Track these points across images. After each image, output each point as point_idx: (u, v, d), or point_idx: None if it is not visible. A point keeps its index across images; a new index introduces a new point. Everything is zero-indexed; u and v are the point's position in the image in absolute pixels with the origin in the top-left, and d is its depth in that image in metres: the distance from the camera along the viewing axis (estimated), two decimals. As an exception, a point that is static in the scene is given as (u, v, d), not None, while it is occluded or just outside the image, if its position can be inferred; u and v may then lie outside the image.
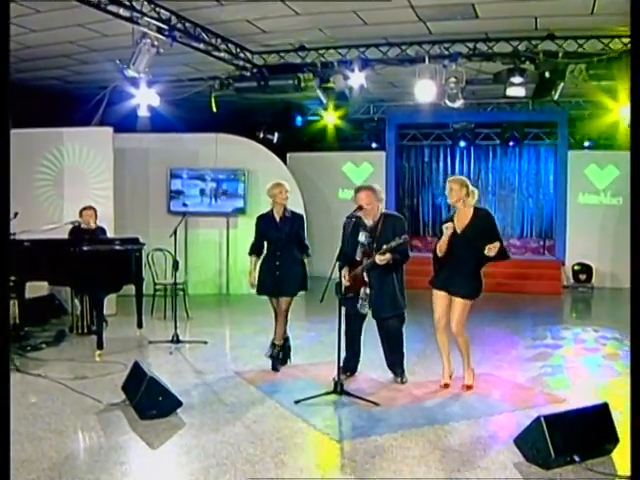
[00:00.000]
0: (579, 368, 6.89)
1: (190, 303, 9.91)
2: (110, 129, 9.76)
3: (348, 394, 5.66)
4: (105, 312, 7.74)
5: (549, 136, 15.85)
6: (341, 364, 6.10)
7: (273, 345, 6.75)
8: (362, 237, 6.12)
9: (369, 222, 6.11)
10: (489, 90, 11.78)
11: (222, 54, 8.80)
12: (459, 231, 5.83)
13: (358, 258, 6.10)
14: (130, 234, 9.51)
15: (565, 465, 4.16)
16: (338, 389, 5.69)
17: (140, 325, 8.32)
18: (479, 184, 17.22)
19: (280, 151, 13.33)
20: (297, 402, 5.54)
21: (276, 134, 14.65)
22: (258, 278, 6.65)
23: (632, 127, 3.45)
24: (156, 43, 7.03)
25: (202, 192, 12.27)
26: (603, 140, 13.72)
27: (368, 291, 6.08)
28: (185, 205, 11.53)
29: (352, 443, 4.66)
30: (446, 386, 6.02)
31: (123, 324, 8.79)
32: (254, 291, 6.74)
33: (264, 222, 6.73)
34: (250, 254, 6.77)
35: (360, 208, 5.99)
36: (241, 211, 12.27)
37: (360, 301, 6.11)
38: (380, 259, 5.80)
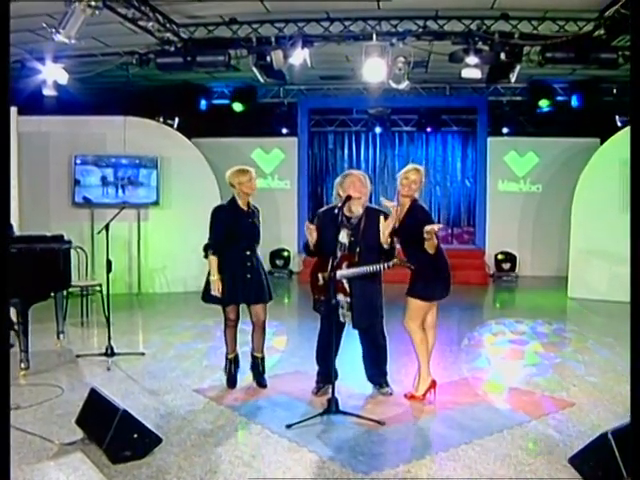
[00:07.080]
0: (562, 366, 6.50)
1: (99, 305, 8.58)
2: (14, 109, 8.34)
3: (345, 413, 4.93)
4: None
5: (457, 123, 15.73)
6: (316, 377, 5.62)
7: (228, 361, 5.80)
8: (343, 236, 5.22)
9: (353, 217, 5.24)
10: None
11: (150, 24, 7.67)
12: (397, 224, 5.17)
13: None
14: (30, 230, 8.30)
15: (632, 485, 3.70)
16: (333, 408, 4.95)
17: (59, 335, 7.25)
18: (385, 172, 16.96)
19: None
20: (289, 426, 4.74)
21: (176, 119, 13.59)
22: (222, 284, 5.51)
23: (632, 127, 3.32)
24: (93, 3, 5.89)
25: (107, 181, 11.03)
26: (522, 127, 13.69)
27: (348, 299, 5.26)
28: (86, 199, 10.23)
29: (382, 476, 3.94)
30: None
31: (36, 333, 7.22)
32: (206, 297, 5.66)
33: (229, 214, 5.61)
34: (212, 254, 5.51)
35: (348, 198, 5.10)
36: (153, 203, 11.18)
37: (340, 310, 5.29)
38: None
